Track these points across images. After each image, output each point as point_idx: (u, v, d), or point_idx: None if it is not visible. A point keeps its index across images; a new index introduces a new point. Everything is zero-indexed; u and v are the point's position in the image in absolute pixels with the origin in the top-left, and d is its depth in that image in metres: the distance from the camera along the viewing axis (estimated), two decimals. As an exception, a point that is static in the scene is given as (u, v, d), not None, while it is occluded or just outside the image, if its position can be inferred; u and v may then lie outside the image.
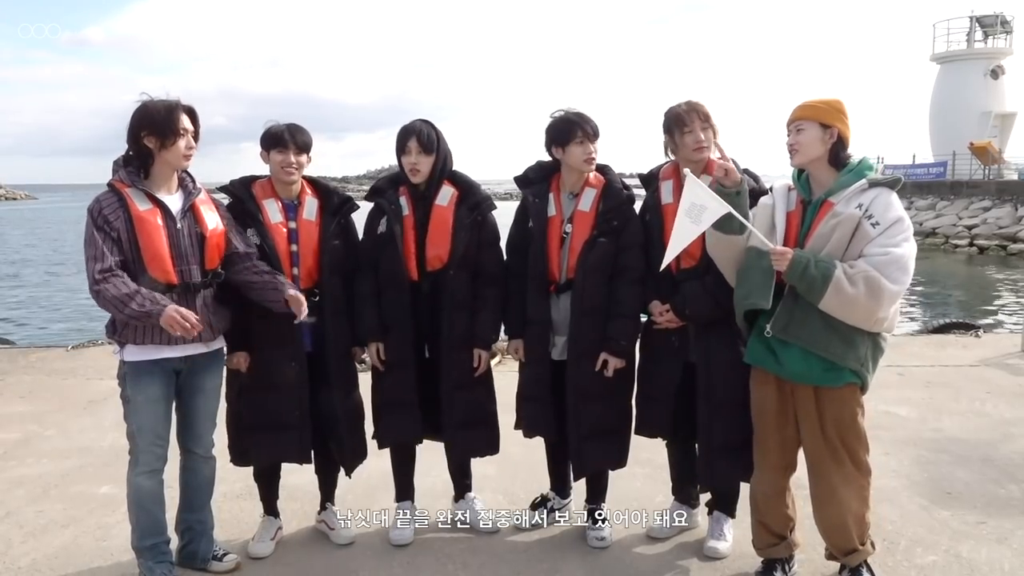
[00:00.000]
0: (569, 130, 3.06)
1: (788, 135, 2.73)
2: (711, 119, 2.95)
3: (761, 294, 2.65)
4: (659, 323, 3.08)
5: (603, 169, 3.20)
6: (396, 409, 3.21)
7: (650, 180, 3.19)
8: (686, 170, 2.69)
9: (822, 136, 2.66)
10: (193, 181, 2.87)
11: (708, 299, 2.94)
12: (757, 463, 2.90)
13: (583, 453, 3.18)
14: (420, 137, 3.07)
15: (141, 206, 2.70)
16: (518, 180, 3.31)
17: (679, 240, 2.65)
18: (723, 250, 2.78)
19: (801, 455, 2.86)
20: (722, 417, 3.00)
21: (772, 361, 2.71)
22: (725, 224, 2.67)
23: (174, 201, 2.78)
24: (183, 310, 2.63)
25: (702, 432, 3.05)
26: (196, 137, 2.81)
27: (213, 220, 2.85)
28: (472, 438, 3.28)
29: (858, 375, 2.66)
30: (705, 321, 2.99)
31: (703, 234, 2.91)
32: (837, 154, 2.68)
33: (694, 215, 2.60)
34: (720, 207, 2.59)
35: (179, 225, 2.75)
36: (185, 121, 2.75)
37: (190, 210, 2.79)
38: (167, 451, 2.89)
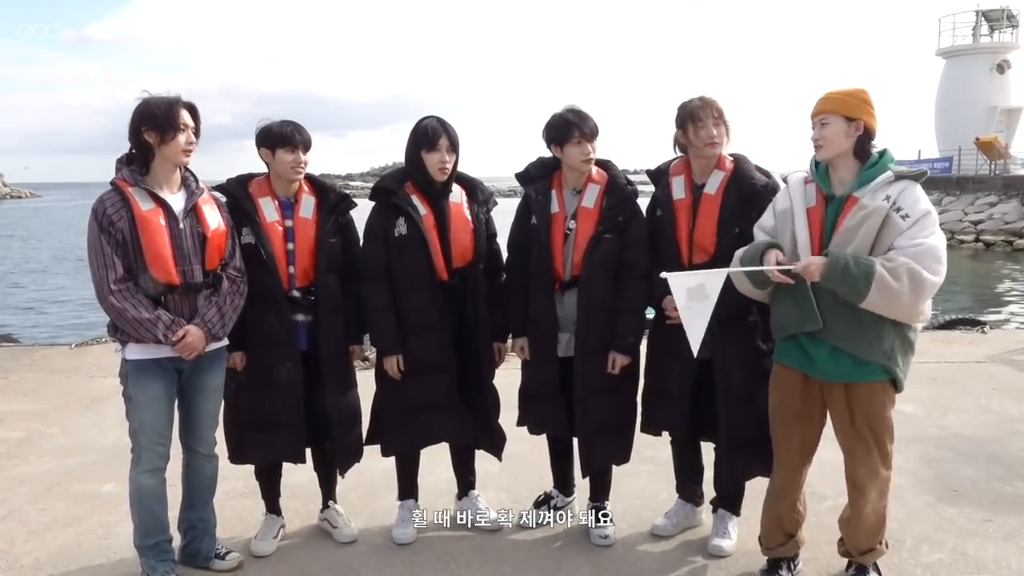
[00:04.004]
0: (567, 130, 3.05)
1: (812, 128, 2.65)
2: (724, 115, 2.93)
3: (810, 318, 2.59)
4: (672, 318, 3.02)
5: (605, 164, 3.19)
6: (440, 412, 3.16)
7: (659, 176, 3.16)
8: (663, 274, 2.67)
9: (847, 129, 2.59)
10: (196, 180, 2.86)
11: (731, 297, 2.85)
12: (777, 461, 2.86)
13: (591, 450, 3.17)
14: (450, 134, 3.06)
15: (144, 205, 2.69)
16: (519, 177, 3.29)
17: (697, 323, 2.64)
18: (757, 291, 2.73)
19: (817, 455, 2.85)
20: (741, 414, 2.98)
21: (804, 359, 2.68)
22: (756, 275, 2.64)
23: (177, 200, 2.77)
24: (194, 337, 2.70)
25: (722, 430, 3.02)
26: (197, 133, 2.79)
27: (215, 220, 2.84)
28: (500, 432, 3.35)
29: (887, 370, 2.61)
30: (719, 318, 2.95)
31: (715, 229, 2.93)
32: (863, 146, 2.62)
33: (697, 296, 2.61)
34: (717, 276, 2.61)
35: (181, 225, 2.74)
36: (185, 117, 2.73)
37: (192, 210, 2.78)
38: (169, 449, 2.89)
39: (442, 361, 3.12)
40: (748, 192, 2.92)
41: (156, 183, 2.75)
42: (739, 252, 2.75)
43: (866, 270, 2.43)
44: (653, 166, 3.26)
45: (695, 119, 2.93)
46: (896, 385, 2.66)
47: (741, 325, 2.94)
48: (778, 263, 2.58)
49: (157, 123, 2.68)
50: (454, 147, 3.08)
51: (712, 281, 2.60)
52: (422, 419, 3.18)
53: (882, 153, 2.63)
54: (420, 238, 3.04)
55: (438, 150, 3.04)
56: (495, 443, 3.34)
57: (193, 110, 2.78)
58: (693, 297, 2.61)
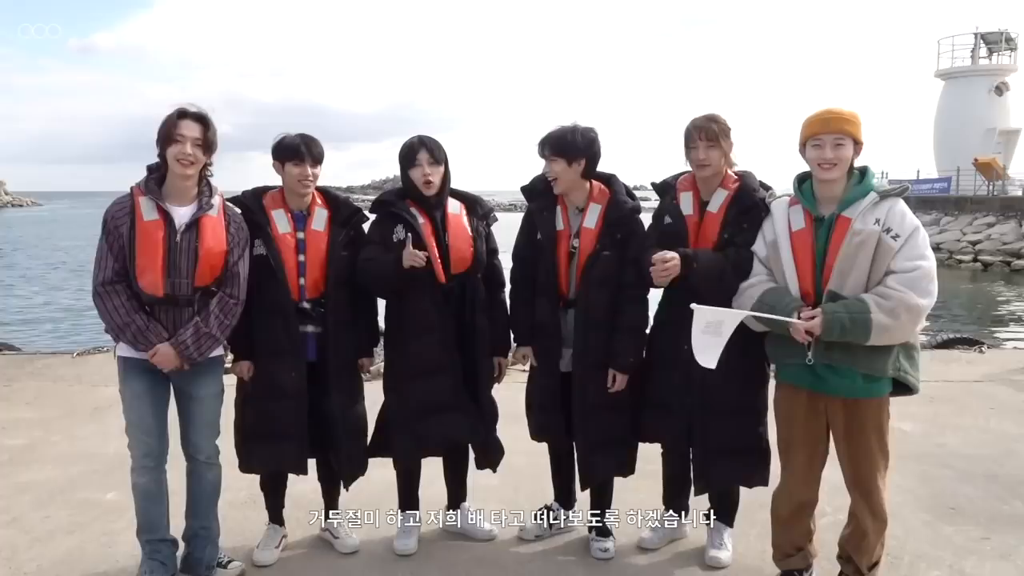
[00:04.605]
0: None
1: (823, 147, 2.64)
2: (720, 137, 2.94)
3: (797, 352, 2.66)
4: (654, 270, 2.91)
5: (608, 180, 3.22)
6: (446, 412, 3.16)
7: (666, 189, 3.19)
8: (692, 305, 2.70)
9: (854, 151, 2.67)
10: (211, 194, 2.85)
11: (716, 268, 2.89)
12: (786, 476, 2.90)
13: (590, 464, 3.20)
14: (431, 150, 3.10)
15: (147, 216, 2.73)
16: (525, 191, 3.31)
17: (706, 353, 2.69)
18: (760, 326, 2.78)
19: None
20: (717, 421, 3.02)
21: (811, 378, 2.72)
22: (773, 325, 2.70)
23: (184, 213, 2.79)
24: (163, 357, 2.73)
25: (697, 436, 3.06)
26: (206, 145, 2.78)
27: (216, 238, 2.82)
28: (497, 444, 3.36)
29: (899, 380, 2.66)
30: (703, 286, 2.89)
31: (713, 249, 2.97)
32: (852, 167, 2.70)
33: (712, 330, 2.68)
34: (736, 315, 2.69)
35: (179, 238, 2.75)
36: (186, 128, 2.73)
37: (195, 224, 2.78)
38: (159, 447, 2.91)
39: (445, 361, 3.14)
40: (746, 206, 2.95)
41: (169, 195, 2.78)
42: (760, 292, 2.74)
43: (863, 324, 2.51)
44: (657, 179, 3.30)
45: (688, 141, 3.00)
46: (911, 389, 2.72)
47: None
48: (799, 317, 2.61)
49: (159, 135, 2.74)
50: (436, 160, 3.11)
51: (730, 322, 2.68)
52: (429, 421, 3.17)
53: (863, 171, 2.70)
54: (419, 241, 3.07)
55: (418, 165, 3.09)
56: (490, 456, 3.35)
57: (202, 120, 2.78)
58: (708, 331, 2.69)
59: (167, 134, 2.73)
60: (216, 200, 2.87)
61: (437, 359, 3.13)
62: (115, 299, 2.72)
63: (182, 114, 2.75)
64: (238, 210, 3.01)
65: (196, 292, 2.80)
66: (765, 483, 3.11)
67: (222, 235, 2.85)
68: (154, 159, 2.80)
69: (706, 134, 2.95)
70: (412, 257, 2.94)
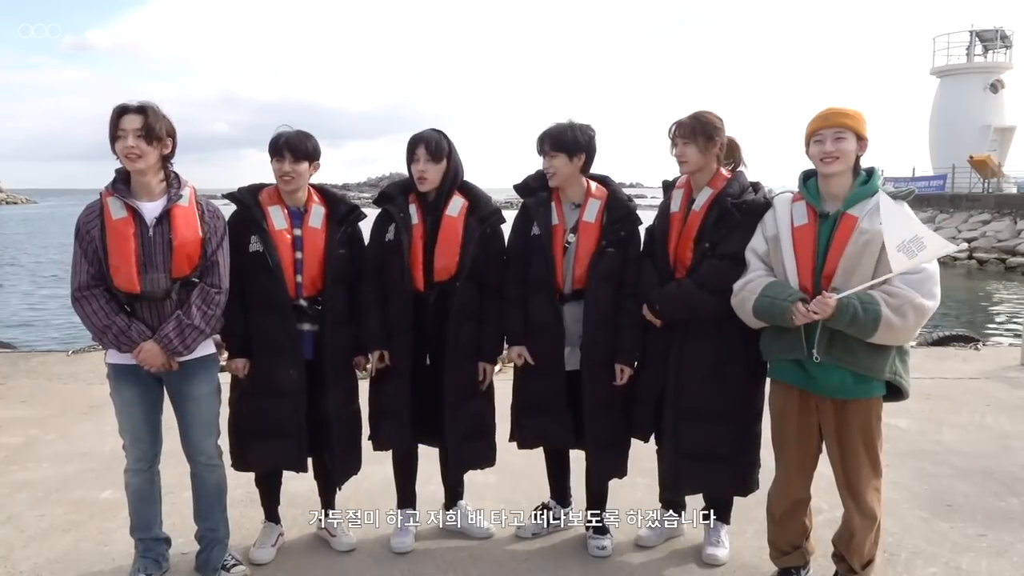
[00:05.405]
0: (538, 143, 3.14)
1: (823, 142, 2.65)
2: (696, 134, 2.93)
3: (797, 347, 2.66)
4: (654, 324, 3.07)
5: (604, 180, 3.22)
6: (389, 418, 3.21)
7: (668, 187, 3.20)
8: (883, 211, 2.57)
9: (856, 147, 2.67)
10: (179, 184, 2.81)
11: (679, 302, 2.94)
12: (780, 474, 2.90)
13: (601, 462, 3.20)
14: (428, 145, 3.08)
15: (116, 215, 2.71)
16: (518, 188, 3.29)
17: (899, 267, 2.51)
18: (756, 321, 2.76)
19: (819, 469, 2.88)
20: (689, 425, 3.01)
21: (803, 376, 2.72)
22: (769, 316, 2.66)
23: (153, 208, 2.74)
24: (148, 354, 2.70)
25: (667, 438, 3.07)
26: (150, 134, 2.68)
27: (189, 228, 2.77)
28: (473, 450, 3.29)
29: (892, 383, 2.67)
30: (675, 322, 2.99)
31: (693, 247, 2.96)
32: (858, 164, 2.70)
33: (906, 250, 2.50)
34: (936, 246, 2.53)
35: (151, 232, 2.72)
36: (127, 122, 2.68)
37: (166, 216, 2.75)
38: (151, 450, 2.92)
39: (401, 367, 3.14)
40: (722, 210, 2.94)
41: (136, 192, 2.75)
42: (761, 286, 2.71)
43: (874, 316, 2.50)
44: (652, 180, 3.30)
45: (670, 136, 3.01)
46: (902, 394, 2.72)
47: (700, 339, 2.97)
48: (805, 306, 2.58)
49: (109, 137, 2.71)
50: (433, 157, 3.08)
51: (930, 249, 2.52)
52: (386, 422, 3.22)
53: (870, 172, 2.70)
54: (400, 247, 3.07)
55: (416, 161, 3.09)
56: (451, 466, 3.31)
57: (141, 111, 2.69)
58: (903, 249, 2.51)
59: (111, 133, 2.69)
60: (186, 191, 2.82)
61: (397, 365, 3.15)
62: (93, 303, 2.70)
63: (122, 111, 2.70)
64: (214, 203, 2.94)
65: (175, 284, 2.75)
66: (745, 494, 3.11)
67: (195, 224, 2.80)
68: None
69: (682, 129, 2.96)
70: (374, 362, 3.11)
